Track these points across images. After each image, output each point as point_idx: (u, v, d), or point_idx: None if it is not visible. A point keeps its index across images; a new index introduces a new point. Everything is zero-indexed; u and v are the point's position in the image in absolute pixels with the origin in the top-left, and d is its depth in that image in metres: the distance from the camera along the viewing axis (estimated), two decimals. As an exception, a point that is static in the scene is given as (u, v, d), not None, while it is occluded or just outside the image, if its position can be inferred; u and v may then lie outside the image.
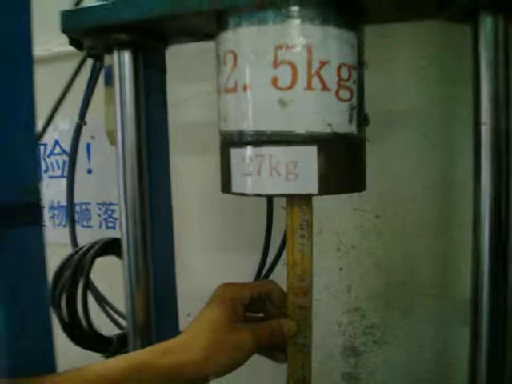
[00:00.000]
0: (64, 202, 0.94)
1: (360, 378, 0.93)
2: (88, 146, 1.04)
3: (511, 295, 0.51)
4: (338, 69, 0.46)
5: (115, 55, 0.59)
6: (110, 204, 1.04)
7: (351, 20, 0.48)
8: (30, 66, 0.51)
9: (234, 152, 0.50)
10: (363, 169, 0.52)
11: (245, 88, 0.48)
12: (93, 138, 1.02)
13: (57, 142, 1.09)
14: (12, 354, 0.50)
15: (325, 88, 0.46)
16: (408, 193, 0.84)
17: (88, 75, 0.77)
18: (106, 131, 0.72)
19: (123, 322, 0.83)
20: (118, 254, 0.73)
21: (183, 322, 0.71)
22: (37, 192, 0.52)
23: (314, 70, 0.45)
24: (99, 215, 1.05)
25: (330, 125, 0.46)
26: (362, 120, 0.50)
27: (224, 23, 0.50)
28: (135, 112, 0.60)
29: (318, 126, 0.46)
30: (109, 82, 0.69)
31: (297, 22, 0.46)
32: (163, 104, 0.71)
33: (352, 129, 0.48)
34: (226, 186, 0.52)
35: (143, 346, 0.59)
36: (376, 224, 0.87)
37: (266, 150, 0.47)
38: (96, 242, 0.74)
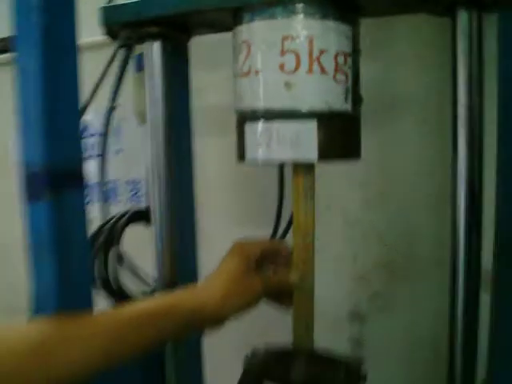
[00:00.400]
0: (92, 181, 1.03)
1: (364, 341, 1.02)
2: (118, 129, 1.14)
3: (485, 257, 0.59)
4: (335, 56, 0.55)
5: (146, 45, 0.68)
6: (137, 182, 1.14)
7: (347, 14, 0.57)
8: (76, 55, 0.60)
9: (248, 127, 0.59)
10: (357, 140, 0.60)
11: (257, 72, 0.57)
12: (122, 120, 1.12)
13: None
14: (59, 298, 0.60)
15: (323, 72, 0.55)
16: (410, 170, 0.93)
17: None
18: (135, 112, 0.81)
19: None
20: (146, 223, 0.83)
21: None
22: (80, 163, 0.61)
23: (314, 57, 0.54)
24: (127, 192, 1.15)
25: (327, 103, 0.55)
26: (357, 99, 0.59)
27: (240, 18, 0.59)
28: (163, 94, 0.70)
29: (318, 104, 0.55)
30: (139, 68, 0.78)
31: (300, 16, 0.54)
32: (187, 88, 0.80)
33: (347, 107, 0.57)
34: (241, 156, 0.61)
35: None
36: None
37: (275, 125, 0.56)
38: (126, 212, 0.83)
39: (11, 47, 0.58)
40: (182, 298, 0.60)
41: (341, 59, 0.56)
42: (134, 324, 0.55)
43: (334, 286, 1.01)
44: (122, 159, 1.15)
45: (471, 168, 0.56)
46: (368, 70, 0.64)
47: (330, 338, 1.02)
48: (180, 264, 0.77)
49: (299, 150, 0.55)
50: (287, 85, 0.55)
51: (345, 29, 0.56)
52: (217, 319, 0.60)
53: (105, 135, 0.94)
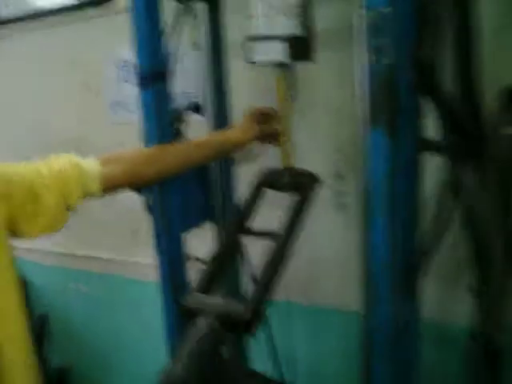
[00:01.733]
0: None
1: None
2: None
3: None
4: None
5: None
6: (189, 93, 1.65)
7: None
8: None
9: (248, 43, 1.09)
10: (308, 50, 1.08)
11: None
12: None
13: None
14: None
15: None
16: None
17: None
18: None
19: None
20: (197, 111, 1.36)
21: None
22: (165, 68, 1.14)
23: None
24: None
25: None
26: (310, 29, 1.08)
27: None
28: (207, 31, 1.22)
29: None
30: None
31: None
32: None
33: (304, 33, 1.05)
34: (247, 59, 1.10)
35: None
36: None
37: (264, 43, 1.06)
38: (188, 103, 1.36)
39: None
40: (216, 135, 1.20)
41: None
42: (193, 147, 1.12)
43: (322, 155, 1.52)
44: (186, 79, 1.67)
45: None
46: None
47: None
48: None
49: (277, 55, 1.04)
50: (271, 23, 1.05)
51: None
52: (238, 144, 1.18)
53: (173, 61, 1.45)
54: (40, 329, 2.41)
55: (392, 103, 0.88)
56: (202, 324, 0.86)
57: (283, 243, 0.97)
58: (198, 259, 1.80)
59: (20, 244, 2.35)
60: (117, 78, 1.91)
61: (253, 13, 1.04)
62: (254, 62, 1.07)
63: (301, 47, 1.05)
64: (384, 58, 0.85)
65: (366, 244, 0.94)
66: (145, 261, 1.93)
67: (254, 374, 0.98)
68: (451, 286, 1.44)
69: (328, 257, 1.62)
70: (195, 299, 0.91)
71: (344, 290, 1.57)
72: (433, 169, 0.99)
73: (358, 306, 1.53)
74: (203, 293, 0.92)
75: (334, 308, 1.66)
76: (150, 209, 1.17)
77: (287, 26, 1.02)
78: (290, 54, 1.02)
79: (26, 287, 2.48)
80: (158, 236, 1.15)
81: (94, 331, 2.35)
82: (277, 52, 1.03)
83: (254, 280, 1.06)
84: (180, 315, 0.97)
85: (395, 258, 0.96)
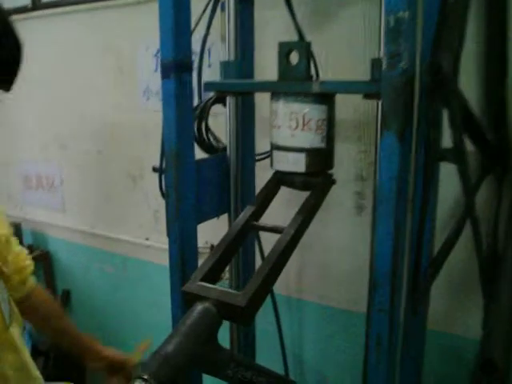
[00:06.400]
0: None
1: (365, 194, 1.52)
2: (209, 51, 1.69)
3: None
4: (317, 121, 1.02)
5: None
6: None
7: (325, 100, 1.02)
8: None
9: (274, 153, 1.10)
10: (330, 160, 1.09)
11: (279, 127, 1.06)
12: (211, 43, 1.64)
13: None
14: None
15: (310, 130, 1.02)
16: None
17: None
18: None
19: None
20: (224, 104, 1.37)
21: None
22: (190, 60, 1.15)
23: (305, 122, 1.02)
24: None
25: (311, 145, 1.04)
26: (329, 140, 1.06)
27: (273, 96, 1.07)
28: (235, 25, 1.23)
29: (305, 145, 1.04)
30: (222, 9, 1.31)
31: (299, 102, 1.02)
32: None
33: (323, 145, 1.05)
34: (272, 164, 1.12)
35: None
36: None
37: (285, 153, 1.06)
38: (212, 97, 1.37)
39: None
40: (82, 337, 1.39)
41: (319, 122, 1.03)
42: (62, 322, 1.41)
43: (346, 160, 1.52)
44: (212, 71, 1.69)
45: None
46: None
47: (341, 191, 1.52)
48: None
49: (296, 166, 1.06)
50: (292, 135, 1.04)
51: (323, 107, 1.02)
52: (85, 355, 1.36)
53: (201, 52, 1.46)
54: (63, 303, 2.51)
55: (406, 108, 0.88)
56: (198, 308, 0.88)
57: (288, 239, 0.97)
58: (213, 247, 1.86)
59: (46, 219, 2.49)
60: (150, 66, 1.94)
61: (278, 123, 1.08)
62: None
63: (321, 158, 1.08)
64: (400, 62, 0.85)
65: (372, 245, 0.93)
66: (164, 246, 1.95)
67: (251, 365, 0.99)
68: (461, 298, 1.42)
69: (344, 258, 1.62)
70: (196, 286, 0.92)
71: (358, 292, 1.56)
72: (449, 178, 0.98)
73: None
74: (205, 280, 0.94)
75: (346, 309, 1.66)
76: (165, 195, 1.19)
77: (308, 139, 1.05)
78: (308, 165, 1.06)
79: (51, 262, 2.58)
80: (170, 224, 1.17)
81: (114, 310, 2.41)
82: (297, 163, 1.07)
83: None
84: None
85: (401, 262, 0.96)
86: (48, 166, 2.44)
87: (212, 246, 1.89)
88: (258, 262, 1.49)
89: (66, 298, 2.53)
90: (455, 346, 1.46)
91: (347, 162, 1.52)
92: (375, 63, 0.93)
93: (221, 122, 1.40)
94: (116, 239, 2.27)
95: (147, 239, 2.17)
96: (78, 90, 2.21)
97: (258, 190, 1.18)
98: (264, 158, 1.44)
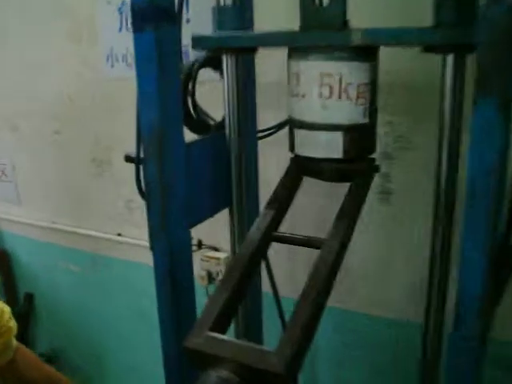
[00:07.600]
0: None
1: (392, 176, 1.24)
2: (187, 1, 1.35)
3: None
4: (357, 86, 0.75)
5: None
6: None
7: (368, 56, 0.75)
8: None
9: (296, 132, 0.81)
10: (372, 141, 0.82)
11: (303, 96, 0.78)
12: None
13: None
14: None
15: (348, 99, 0.75)
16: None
17: None
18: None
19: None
20: (215, 68, 1.04)
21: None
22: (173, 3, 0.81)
23: (342, 88, 0.74)
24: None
25: (350, 120, 0.76)
26: (373, 113, 0.78)
27: (292, 55, 0.79)
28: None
29: (343, 121, 0.76)
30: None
31: (334, 60, 0.74)
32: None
33: (365, 120, 0.77)
34: (292, 149, 0.84)
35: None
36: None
37: (314, 133, 0.78)
38: (199, 58, 1.04)
39: None
40: None
41: (361, 88, 0.75)
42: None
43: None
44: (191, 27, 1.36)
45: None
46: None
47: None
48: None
49: (329, 151, 0.78)
50: (323, 107, 0.76)
51: (365, 66, 0.75)
52: None
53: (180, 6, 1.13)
54: (25, 308, 2.32)
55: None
56: (212, 380, 0.58)
57: (333, 258, 0.67)
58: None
59: (4, 215, 2.18)
60: (113, 24, 1.63)
61: (302, 91, 0.79)
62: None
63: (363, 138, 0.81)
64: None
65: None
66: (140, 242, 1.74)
67: None
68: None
69: (367, 255, 1.34)
70: (204, 339, 0.62)
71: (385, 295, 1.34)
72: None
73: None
74: (215, 330, 0.63)
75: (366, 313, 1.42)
76: (145, 195, 0.87)
77: (347, 111, 0.77)
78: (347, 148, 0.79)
79: (9, 262, 2.36)
80: (154, 234, 0.86)
81: (84, 315, 2.17)
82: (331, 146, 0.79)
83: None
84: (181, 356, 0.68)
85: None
86: (-4, 151, 2.18)
87: (200, 242, 1.58)
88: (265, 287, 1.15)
89: (29, 302, 2.32)
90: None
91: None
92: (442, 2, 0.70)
93: (207, 92, 1.06)
94: (82, 234, 2.01)
95: (119, 234, 1.89)
96: (27, 61, 1.91)
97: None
98: (266, 136, 1.18)
